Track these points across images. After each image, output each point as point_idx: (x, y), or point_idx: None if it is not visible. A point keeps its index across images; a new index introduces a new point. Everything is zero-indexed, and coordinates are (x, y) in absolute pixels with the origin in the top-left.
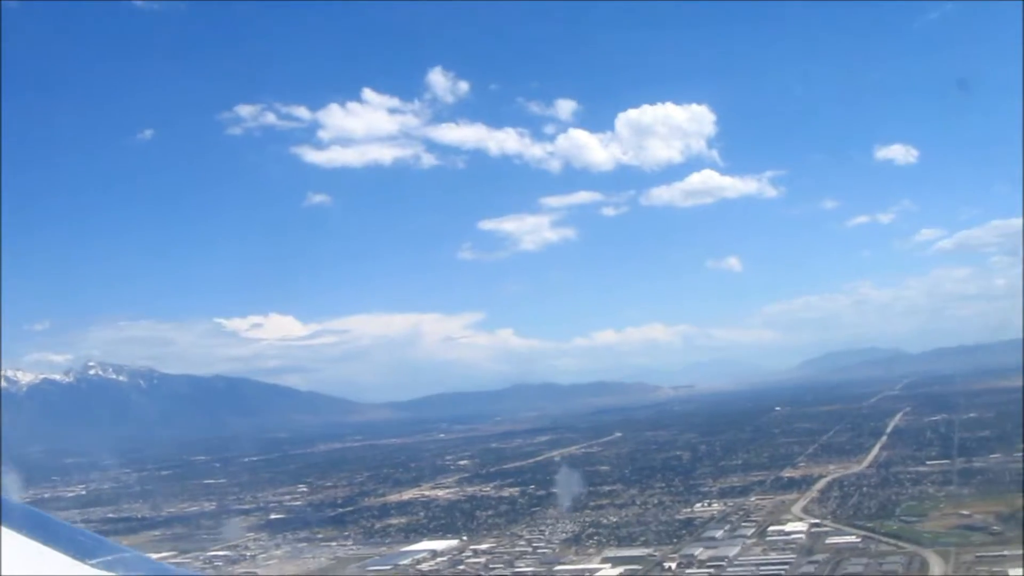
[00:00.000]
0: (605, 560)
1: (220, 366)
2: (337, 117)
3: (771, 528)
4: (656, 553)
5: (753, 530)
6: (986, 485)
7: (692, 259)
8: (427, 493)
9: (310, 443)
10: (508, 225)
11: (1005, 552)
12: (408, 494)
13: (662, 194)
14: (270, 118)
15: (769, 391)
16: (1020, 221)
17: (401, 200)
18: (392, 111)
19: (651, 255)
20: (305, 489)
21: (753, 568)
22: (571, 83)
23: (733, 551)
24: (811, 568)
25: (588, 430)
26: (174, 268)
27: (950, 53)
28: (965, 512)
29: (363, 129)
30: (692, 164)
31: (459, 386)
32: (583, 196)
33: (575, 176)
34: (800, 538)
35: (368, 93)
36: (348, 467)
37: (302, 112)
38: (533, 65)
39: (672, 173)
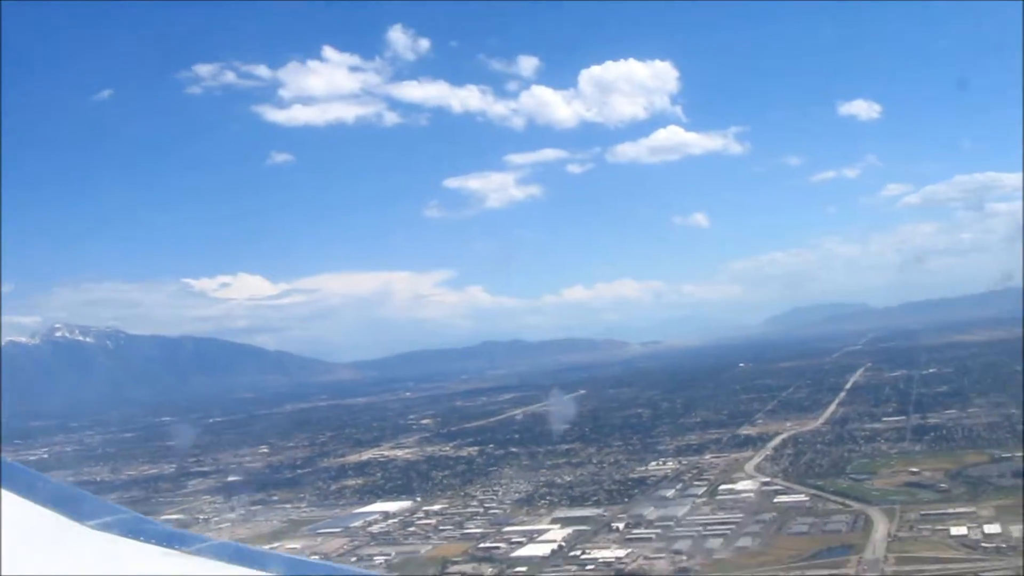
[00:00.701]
0: (555, 521)
1: (189, 327)
2: (298, 75)
3: (722, 487)
4: (606, 513)
5: (704, 489)
6: (938, 442)
7: (659, 216)
8: (386, 453)
9: (276, 403)
10: (474, 183)
11: (950, 510)
12: (367, 454)
13: (627, 151)
14: (230, 77)
15: (736, 347)
16: (983, 176)
17: (365, 159)
18: (353, 69)
19: (618, 212)
20: (266, 450)
21: (700, 528)
22: (533, 40)
23: (682, 511)
24: (757, 527)
25: (553, 387)
26: (141, 229)
27: (911, 11)
28: (915, 469)
29: (324, 87)
30: (656, 120)
31: (429, 344)
32: (548, 153)
33: (539, 133)
34: (749, 497)
35: (328, 51)
36: (311, 428)
37: (262, 71)
38: (493, 22)
39: (637, 130)
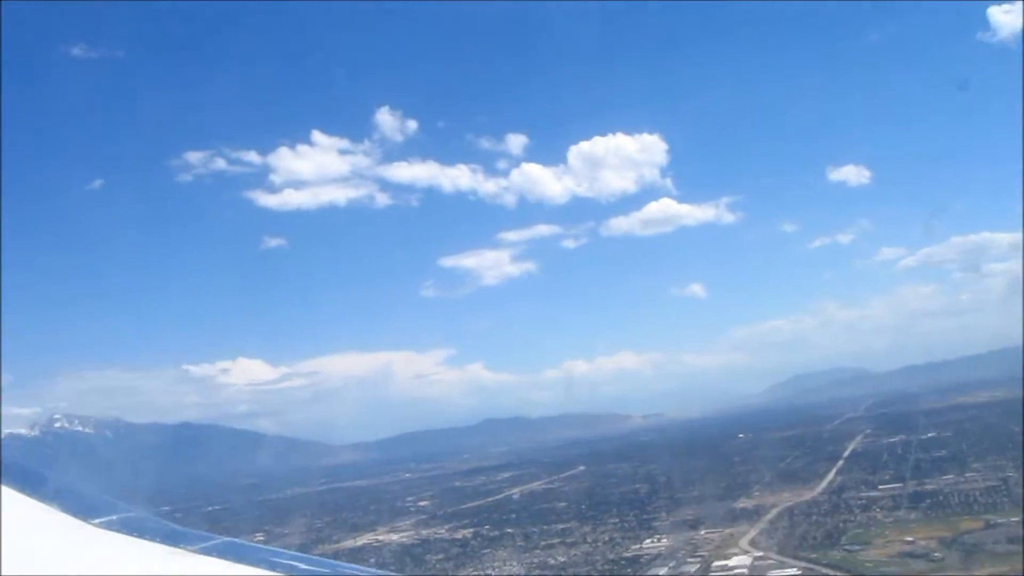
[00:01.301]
0: None
1: (189, 413)
2: (287, 160)
3: (716, 563)
4: None
5: (698, 566)
6: (935, 509)
7: (656, 287)
8: (381, 537)
9: (275, 489)
10: (469, 261)
11: None
12: (363, 539)
13: (620, 224)
14: (220, 163)
15: (737, 416)
16: (978, 237)
17: (359, 240)
18: (343, 152)
19: (614, 285)
20: (262, 538)
21: None
22: (520, 117)
23: None
24: None
25: (552, 464)
26: (140, 317)
27: (894, 75)
28: (909, 539)
29: (314, 171)
30: (647, 193)
31: (430, 423)
32: (542, 229)
33: (531, 210)
34: (743, 572)
35: (317, 135)
36: (309, 512)
37: (252, 156)
38: (480, 101)
39: (628, 203)
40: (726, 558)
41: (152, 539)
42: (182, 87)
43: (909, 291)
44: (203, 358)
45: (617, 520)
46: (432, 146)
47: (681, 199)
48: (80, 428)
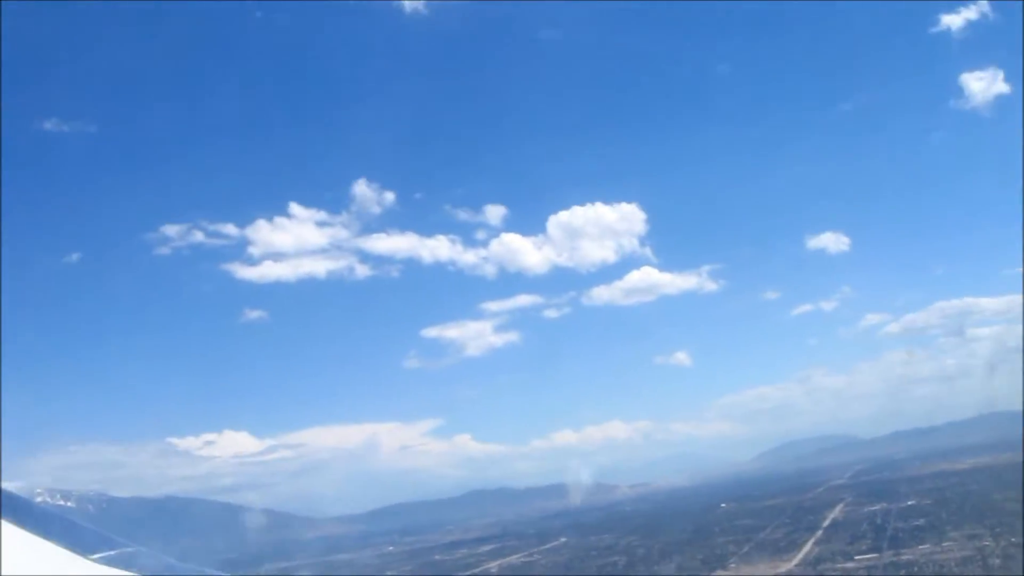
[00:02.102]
0: None
1: (174, 486)
2: (265, 232)
3: None
4: None
5: None
6: None
7: (640, 356)
8: None
9: (256, 564)
10: (451, 332)
11: None
12: None
13: (602, 294)
14: (198, 236)
15: (723, 485)
16: (960, 302)
17: (340, 311)
18: (320, 224)
19: (598, 354)
20: None
21: None
22: (497, 188)
23: None
24: None
25: (535, 536)
26: (123, 390)
27: (868, 143)
28: None
29: (293, 243)
30: (627, 263)
31: (416, 495)
32: (523, 300)
33: (512, 280)
34: None
35: (295, 207)
36: None
37: (230, 229)
38: (457, 172)
39: (609, 272)
40: None
41: (146, 573)
42: (157, 160)
43: (894, 357)
44: (187, 431)
45: None
46: (410, 217)
47: (662, 268)
48: (62, 502)
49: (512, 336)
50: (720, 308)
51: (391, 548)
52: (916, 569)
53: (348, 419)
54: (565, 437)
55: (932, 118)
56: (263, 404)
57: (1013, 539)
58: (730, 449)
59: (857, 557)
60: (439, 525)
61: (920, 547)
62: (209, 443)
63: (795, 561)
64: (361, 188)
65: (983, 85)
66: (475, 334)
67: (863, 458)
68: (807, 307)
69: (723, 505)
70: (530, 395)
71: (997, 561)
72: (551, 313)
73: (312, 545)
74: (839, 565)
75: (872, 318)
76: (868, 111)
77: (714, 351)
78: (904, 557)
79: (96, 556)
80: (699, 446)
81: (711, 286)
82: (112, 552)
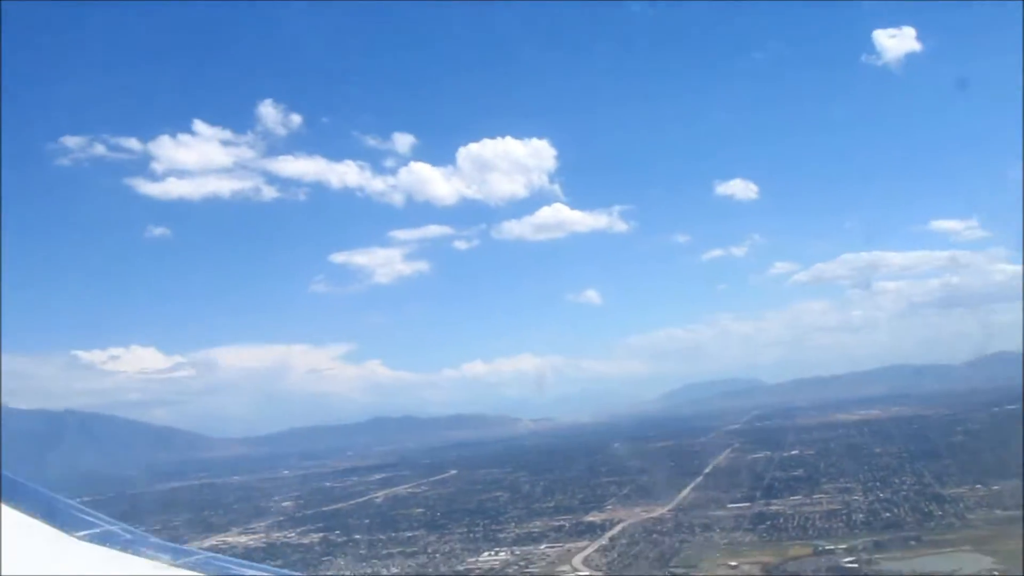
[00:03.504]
0: None
1: (77, 400)
2: (169, 149)
3: None
4: None
5: None
6: (772, 532)
7: (551, 292)
8: (230, 539)
9: (152, 482)
10: (360, 258)
11: None
12: (211, 540)
13: (513, 228)
14: (99, 149)
15: (624, 424)
16: (869, 255)
17: (247, 232)
18: (225, 143)
19: (509, 288)
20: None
21: None
22: (406, 117)
23: None
24: None
25: (427, 467)
26: (24, 301)
27: (780, 93)
28: (734, 563)
29: (197, 161)
30: (537, 198)
31: (323, 419)
32: (433, 230)
33: (421, 209)
34: None
35: (199, 125)
36: (172, 509)
37: (133, 144)
38: (364, 99)
39: (519, 207)
40: None
41: (135, 553)
42: (58, 70)
43: (802, 306)
44: (93, 344)
45: (465, 530)
46: (317, 141)
47: (573, 205)
48: None
49: (422, 265)
50: (630, 248)
51: (286, 472)
52: (782, 520)
53: (257, 340)
54: (475, 368)
55: (844, 73)
56: (171, 321)
57: (881, 495)
58: (637, 388)
59: (729, 505)
60: (340, 451)
61: (792, 498)
62: (115, 357)
63: (669, 506)
64: (267, 109)
65: (895, 43)
66: (384, 261)
67: (762, 404)
68: (717, 252)
69: (616, 445)
70: (441, 325)
71: (860, 516)
72: (461, 244)
73: (211, 465)
74: (710, 513)
75: (781, 266)
76: (782, 61)
77: (624, 290)
78: (773, 507)
79: (80, 534)
80: (607, 384)
81: (621, 226)
82: (96, 530)
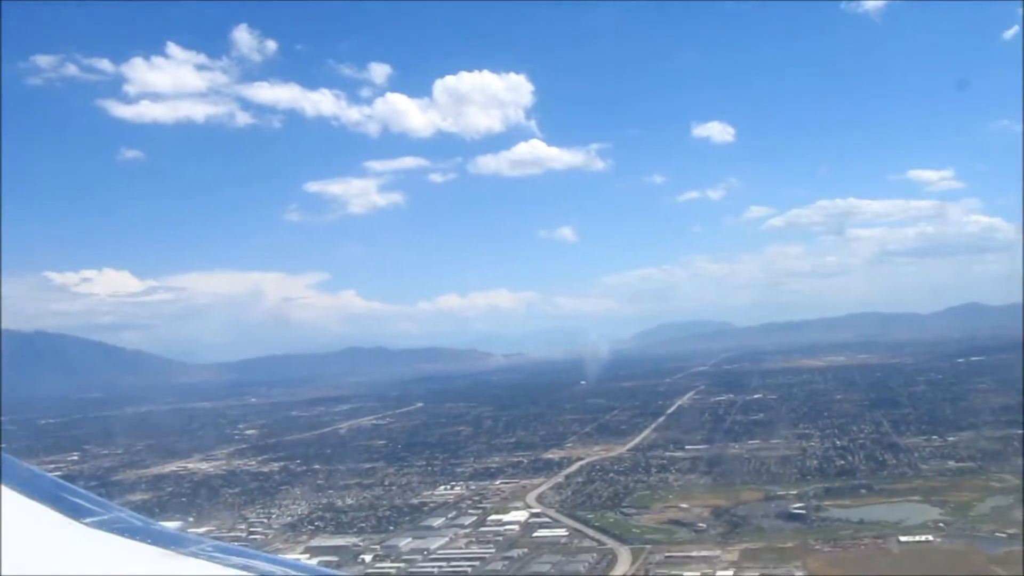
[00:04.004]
0: (308, 550)
1: (49, 321)
2: (142, 71)
3: (491, 518)
4: (362, 543)
5: (474, 519)
6: (725, 475)
7: (525, 228)
8: (191, 466)
9: (119, 405)
10: (335, 188)
11: (695, 552)
12: (172, 466)
13: (489, 163)
14: (72, 70)
15: (595, 361)
16: (844, 202)
17: (221, 158)
18: (200, 67)
19: (484, 223)
20: (75, 457)
21: (443, 563)
22: (382, 47)
23: (438, 543)
24: (501, 565)
25: (394, 399)
26: None
27: (756, 38)
28: (685, 505)
29: (171, 85)
30: (512, 134)
31: (296, 347)
32: (408, 162)
33: (397, 141)
34: (512, 530)
35: (173, 48)
36: (136, 434)
37: (105, 65)
38: (340, 26)
39: (495, 142)
40: (505, 512)
41: (143, 540)
42: None
43: (776, 250)
44: (65, 266)
45: (424, 463)
46: (292, 69)
47: (550, 142)
48: None
49: (396, 197)
50: (607, 187)
51: (253, 400)
52: (737, 464)
53: (231, 266)
54: (450, 301)
55: (825, 18)
56: (145, 245)
57: (838, 442)
58: (611, 326)
59: (687, 447)
60: (310, 380)
61: (750, 442)
62: (87, 280)
63: (629, 446)
64: (242, 34)
65: None
66: (359, 192)
67: (732, 346)
68: (693, 194)
69: (582, 382)
70: (416, 257)
71: (814, 463)
72: (436, 177)
73: (180, 390)
74: (668, 454)
75: (757, 210)
76: (763, 4)
77: (600, 229)
78: (731, 451)
79: (88, 520)
80: (581, 321)
81: (598, 164)
82: (108, 517)
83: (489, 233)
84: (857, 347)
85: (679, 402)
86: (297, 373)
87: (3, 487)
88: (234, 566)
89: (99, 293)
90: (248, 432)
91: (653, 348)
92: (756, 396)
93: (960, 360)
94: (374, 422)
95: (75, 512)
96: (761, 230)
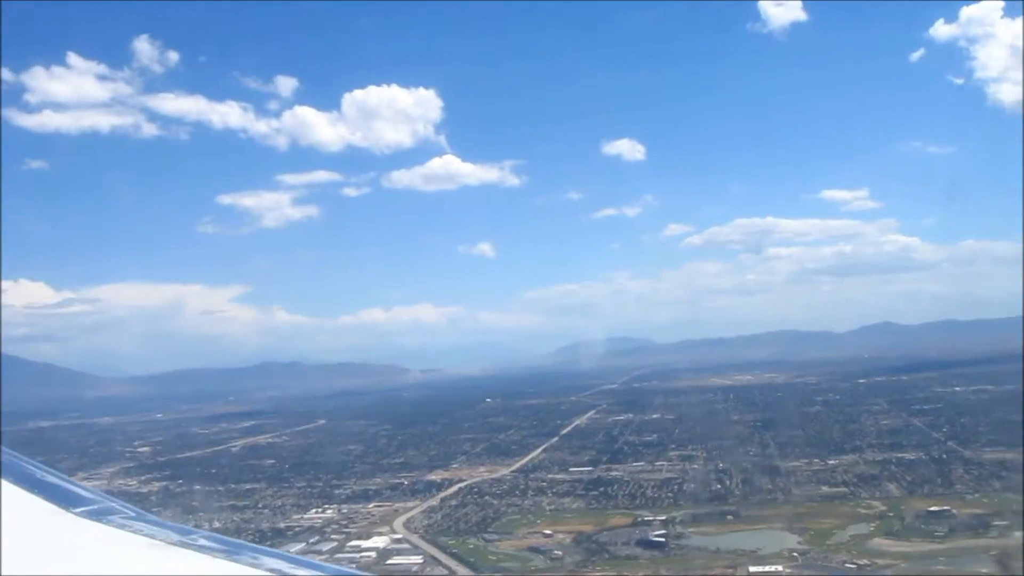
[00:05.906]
0: None
1: None
2: (44, 80)
3: (352, 543)
4: None
5: (334, 545)
6: (601, 499)
7: (444, 243)
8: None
9: (18, 420)
10: (247, 201)
11: None
12: None
13: (403, 177)
14: None
15: (508, 378)
16: (762, 221)
17: (130, 169)
18: (101, 77)
19: (401, 237)
20: None
21: None
22: (288, 60)
23: None
24: None
25: (298, 416)
26: None
27: (662, 56)
28: (548, 532)
29: (73, 94)
30: (423, 149)
31: (213, 361)
32: (321, 175)
33: (307, 154)
34: (369, 557)
35: (73, 58)
36: (25, 450)
37: (5, 74)
38: (243, 38)
39: (407, 157)
40: (367, 538)
41: (139, 532)
42: None
43: (696, 268)
44: None
45: (304, 485)
46: (196, 80)
47: (462, 158)
48: None
49: (311, 210)
50: (523, 203)
51: (159, 415)
52: (616, 487)
53: (148, 277)
54: (374, 315)
55: (730, 39)
56: (61, 256)
57: (720, 464)
58: (532, 341)
59: (572, 469)
60: (222, 395)
61: (634, 464)
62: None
63: (515, 467)
64: (143, 44)
65: (781, 11)
66: (272, 205)
67: (647, 364)
68: (610, 211)
69: (488, 400)
70: (335, 271)
71: (691, 487)
72: (351, 191)
73: (88, 404)
74: (550, 476)
75: (675, 228)
76: (669, 23)
77: (519, 245)
78: (613, 473)
79: (78, 510)
80: (504, 336)
81: (513, 180)
82: (94, 506)
83: (408, 247)
84: (767, 365)
85: (577, 421)
86: (211, 387)
87: (3, 481)
88: (223, 556)
89: (14, 304)
90: (141, 450)
91: (570, 364)
92: (655, 416)
93: (861, 380)
94: (270, 440)
95: (66, 501)
96: (680, 248)
